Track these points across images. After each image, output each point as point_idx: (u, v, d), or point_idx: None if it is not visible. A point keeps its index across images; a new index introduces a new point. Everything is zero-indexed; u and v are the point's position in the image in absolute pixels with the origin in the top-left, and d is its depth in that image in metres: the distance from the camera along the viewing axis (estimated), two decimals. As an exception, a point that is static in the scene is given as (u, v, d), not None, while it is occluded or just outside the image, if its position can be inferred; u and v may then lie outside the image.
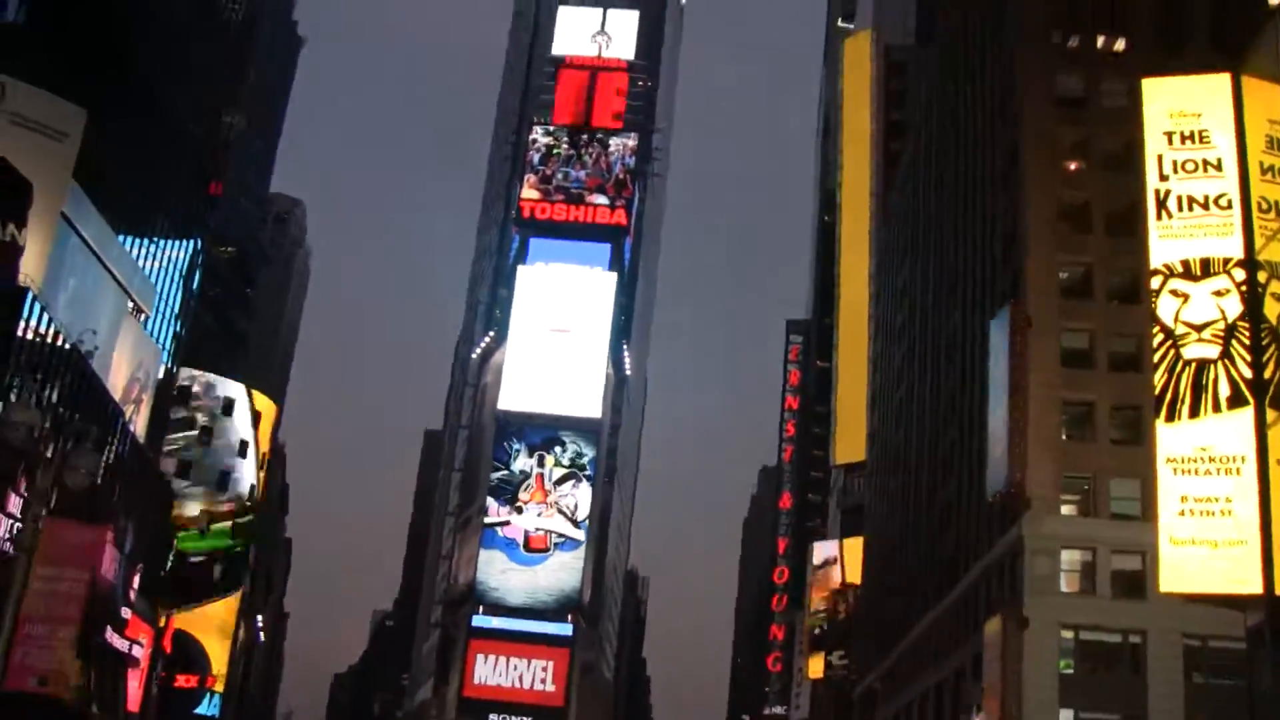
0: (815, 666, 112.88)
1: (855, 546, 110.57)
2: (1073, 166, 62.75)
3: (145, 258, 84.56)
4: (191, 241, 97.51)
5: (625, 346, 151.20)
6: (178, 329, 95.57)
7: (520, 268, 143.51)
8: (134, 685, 74.77)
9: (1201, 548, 33.87)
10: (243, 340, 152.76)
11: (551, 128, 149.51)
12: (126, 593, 69.71)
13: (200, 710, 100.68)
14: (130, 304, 76.58)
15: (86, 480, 38.28)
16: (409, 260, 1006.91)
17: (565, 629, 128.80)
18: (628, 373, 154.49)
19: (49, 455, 39.80)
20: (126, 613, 70.06)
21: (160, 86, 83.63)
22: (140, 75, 78.79)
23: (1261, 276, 34.53)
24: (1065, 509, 56.78)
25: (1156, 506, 35.86)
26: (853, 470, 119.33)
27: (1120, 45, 63.62)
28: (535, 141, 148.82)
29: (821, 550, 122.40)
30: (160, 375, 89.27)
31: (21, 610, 43.78)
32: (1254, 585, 31.74)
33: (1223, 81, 38.00)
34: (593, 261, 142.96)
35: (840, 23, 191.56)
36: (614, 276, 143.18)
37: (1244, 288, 35.21)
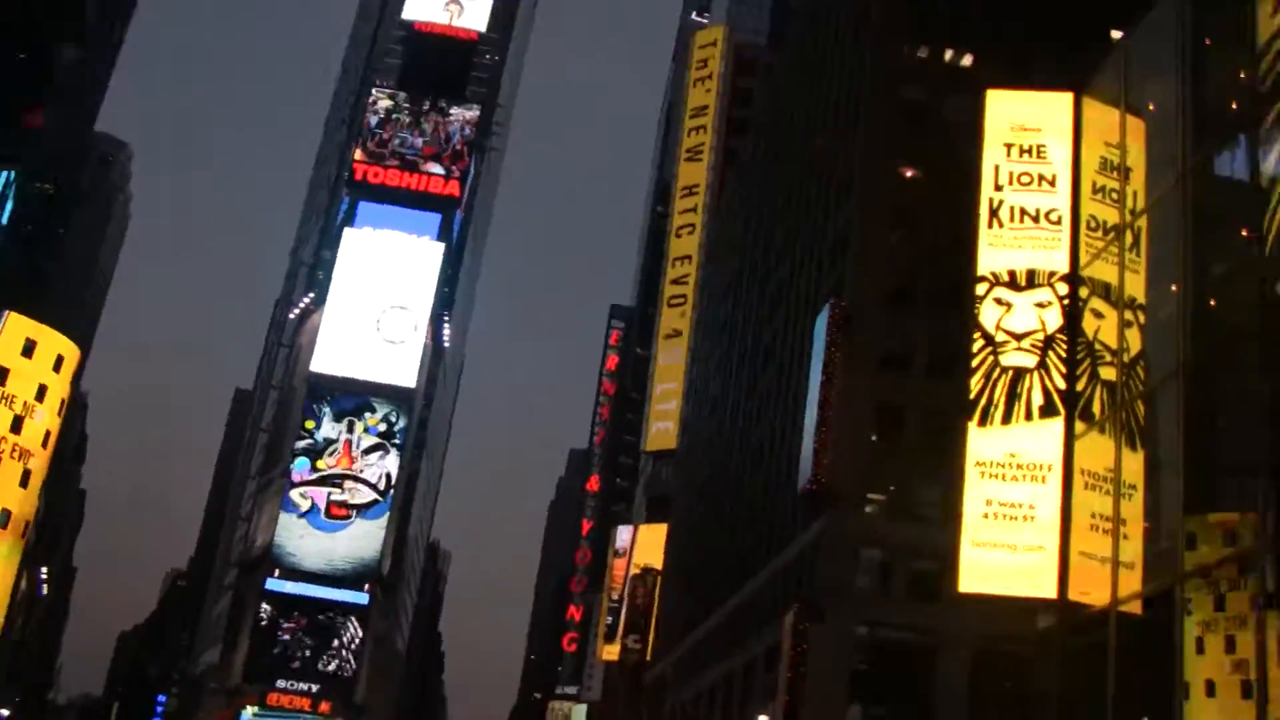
0: (609, 649, 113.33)
1: (655, 532, 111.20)
2: (908, 174, 63.70)
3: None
4: (6, 173, 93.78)
5: (446, 318, 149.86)
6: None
7: (347, 230, 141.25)
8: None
9: (1002, 551, 34.49)
10: (46, 281, 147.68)
11: (392, 92, 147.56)
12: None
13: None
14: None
15: None
16: (236, 215, 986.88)
17: (361, 597, 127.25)
18: (446, 345, 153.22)
19: None
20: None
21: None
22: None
23: (1084, 292, 35.25)
24: (869, 508, 57.70)
25: (961, 509, 36.40)
26: (662, 458, 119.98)
27: (968, 60, 64.69)
28: (375, 104, 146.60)
29: (624, 534, 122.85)
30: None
31: None
32: (1049, 589, 32.44)
33: (1064, 100, 38.73)
34: (422, 231, 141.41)
35: (695, 15, 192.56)
36: (441, 247, 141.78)
37: (1066, 301, 35.90)
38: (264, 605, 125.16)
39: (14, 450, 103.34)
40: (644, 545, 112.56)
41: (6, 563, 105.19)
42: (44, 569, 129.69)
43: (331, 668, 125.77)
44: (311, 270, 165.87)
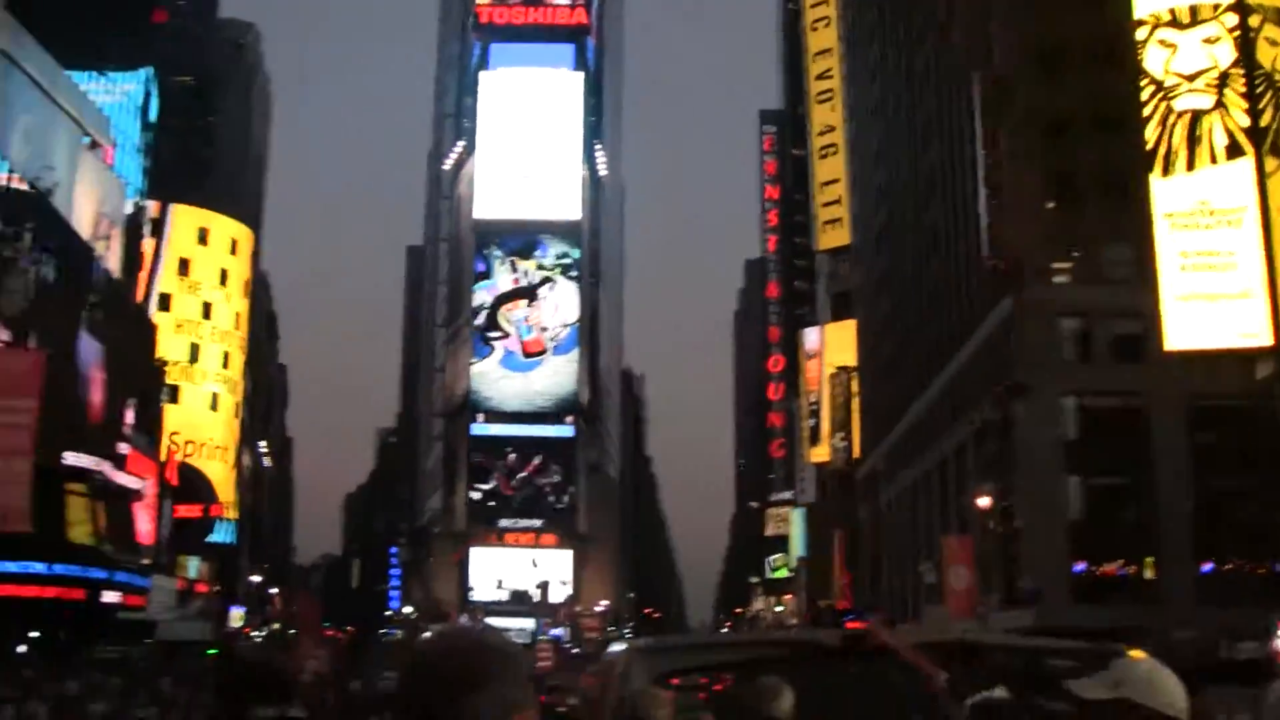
0: (817, 451, 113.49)
1: (843, 329, 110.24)
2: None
3: (98, 92, 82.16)
4: (144, 71, 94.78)
5: (598, 147, 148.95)
6: (142, 162, 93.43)
7: (483, 74, 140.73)
8: (144, 520, 74.29)
9: (1206, 302, 32.99)
10: (208, 169, 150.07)
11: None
12: (120, 429, 69.35)
13: (215, 538, 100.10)
14: (86, 138, 73.94)
15: (21, 302, 37.31)
16: (373, 78, 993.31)
17: (566, 430, 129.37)
18: (603, 173, 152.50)
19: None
20: (125, 448, 69.66)
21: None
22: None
23: (1254, 21, 32.99)
24: (1058, 277, 55.97)
25: (1155, 265, 34.87)
26: (839, 254, 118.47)
27: None
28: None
29: (812, 336, 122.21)
30: (129, 210, 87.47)
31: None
32: (1263, 337, 30.96)
33: None
34: (557, 63, 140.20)
35: None
36: (580, 76, 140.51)
37: (1236, 33, 33.66)
38: (474, 450, 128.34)
39: (211, 333, 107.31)
40: (834, 344, 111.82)
41: (226, 432, 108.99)
42: (262, 443, 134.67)
43: (551, 501, 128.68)
44: (457, 119, 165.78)
